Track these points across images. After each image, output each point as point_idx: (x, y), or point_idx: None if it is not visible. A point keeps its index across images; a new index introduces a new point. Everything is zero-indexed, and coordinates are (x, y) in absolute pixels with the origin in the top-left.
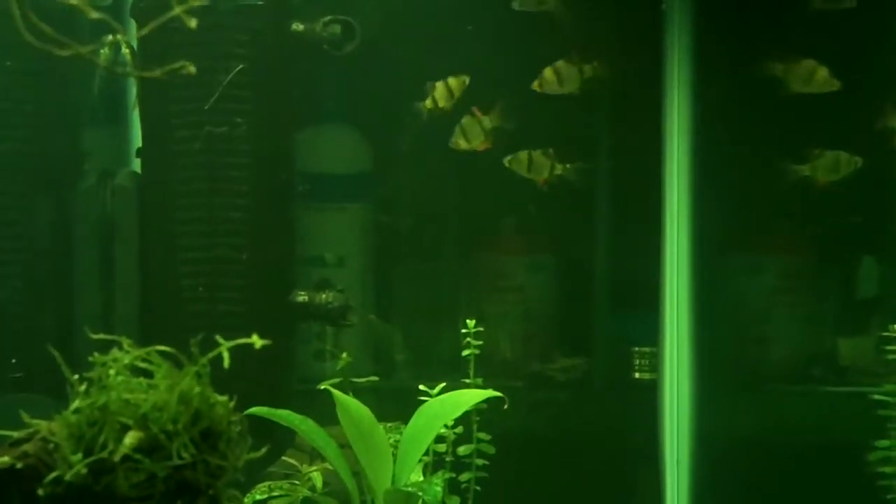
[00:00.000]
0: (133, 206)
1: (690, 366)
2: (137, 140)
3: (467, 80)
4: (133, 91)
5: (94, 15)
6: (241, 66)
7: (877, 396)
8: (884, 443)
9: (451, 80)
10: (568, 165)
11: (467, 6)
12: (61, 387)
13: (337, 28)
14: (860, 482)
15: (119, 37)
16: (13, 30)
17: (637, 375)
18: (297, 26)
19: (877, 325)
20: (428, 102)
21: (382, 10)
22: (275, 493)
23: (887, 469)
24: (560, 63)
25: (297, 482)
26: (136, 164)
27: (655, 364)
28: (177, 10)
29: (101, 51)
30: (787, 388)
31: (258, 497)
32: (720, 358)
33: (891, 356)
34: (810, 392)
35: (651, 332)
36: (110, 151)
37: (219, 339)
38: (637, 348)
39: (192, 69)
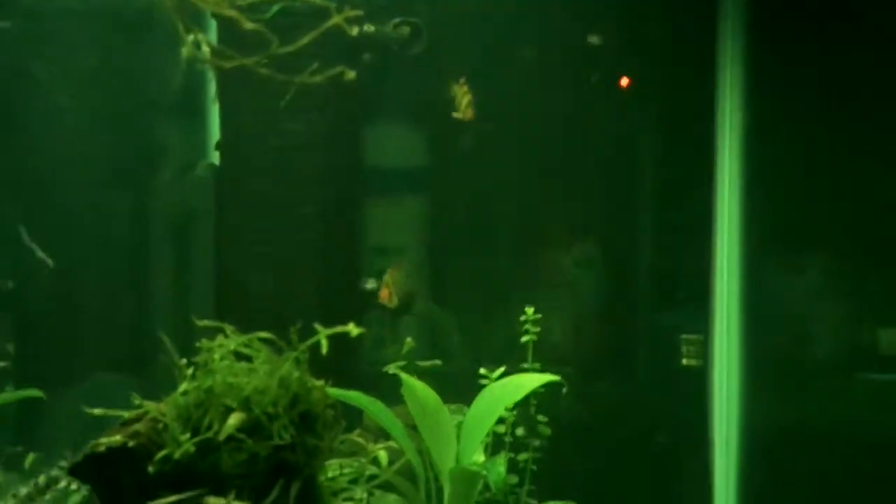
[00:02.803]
0: (210, 197)
1: (739, 355)
2: (216, 134)
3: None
4: (213, 88)
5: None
6: (315, 65)
7: None
8: None
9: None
10: None
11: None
12: (145, 368)
13: (406, 29)
14: None
15: (200, 36)
16: (92, 30)
17: (685, 362)
18: (369, 28)
19: None
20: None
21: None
22: (345, 471)
23: None
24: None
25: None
26: (215, 158)
27: (702, 352)
28: (275, 8)
29: (183, 49)
30: (831, 376)
31: (329, 474)
32: (767, 348)
33: None
34: (854, 381)
35: (699, 322)
36: (191, 144)
37: (318, 327)
38: (685, 336)
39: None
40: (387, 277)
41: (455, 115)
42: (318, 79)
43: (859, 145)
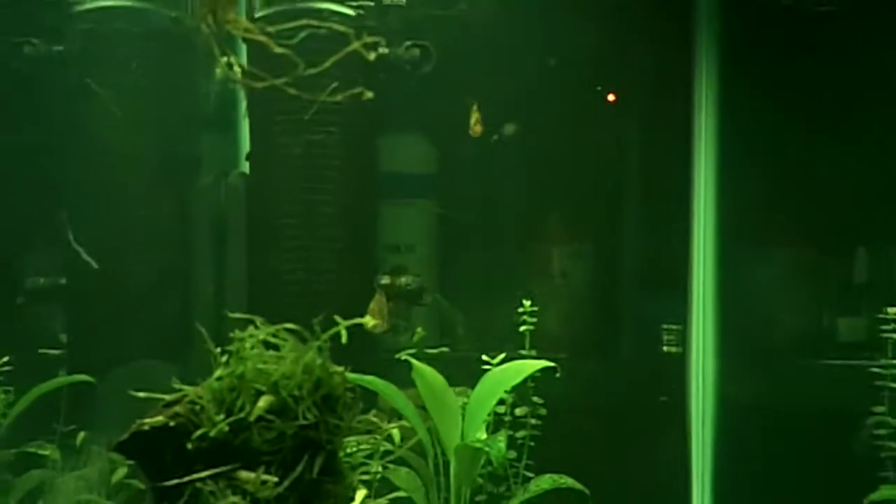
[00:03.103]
0: (242, 202)
1: (714, 341)
2: (247, 145)
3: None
4: (243, 103)
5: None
6: (335, 84)
7: (873, 369)
8: (879, 409)
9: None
10: None
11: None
12: (181, 354)
13: (416, 51)
14: (858, 442)
15: (232, 59)
16: (141, 52)
17: (665, 349)
18: (384, 49)
19: (868, 307)
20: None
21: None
22: (362, 447)
23: (882, 431)
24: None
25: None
26: (246, 166)
27: (681, 339)
28: (302, 34)
29: (217, 69)
30: (796, 361)
31: (348, 450)
32: (739, 335)
33: (885, 335)
34: (815, 365)
35: (678, 312)
36: (224, 154)
37: (337, 318)
38: (665, 325)
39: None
40: (372, 305)
41: (470, 132)
42: (339, 97)
43: (820, 152)
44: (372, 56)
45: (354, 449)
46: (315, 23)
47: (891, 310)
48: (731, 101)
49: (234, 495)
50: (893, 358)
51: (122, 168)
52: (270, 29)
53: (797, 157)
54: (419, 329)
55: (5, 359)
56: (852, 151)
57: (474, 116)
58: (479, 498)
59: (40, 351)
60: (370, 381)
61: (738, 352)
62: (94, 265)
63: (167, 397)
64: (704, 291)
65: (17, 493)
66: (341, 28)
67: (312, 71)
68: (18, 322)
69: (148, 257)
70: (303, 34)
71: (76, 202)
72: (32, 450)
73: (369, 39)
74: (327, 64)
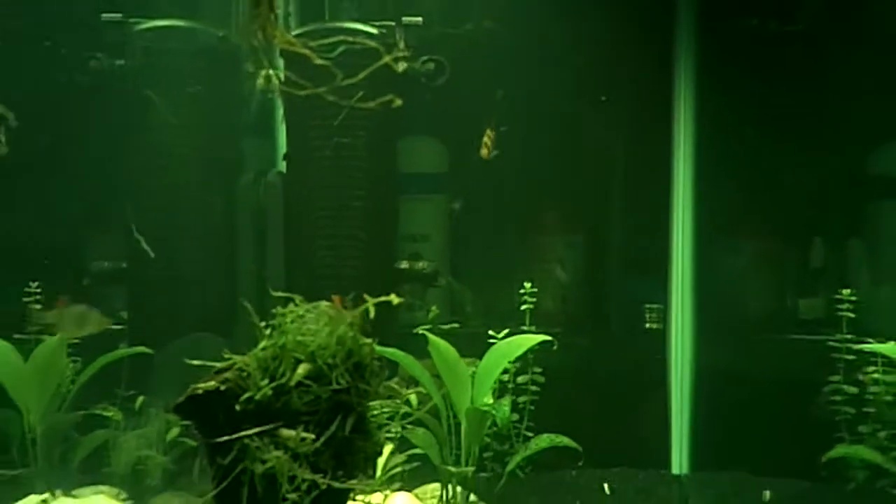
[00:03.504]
0: (280, 197)
1: (691, 319)
2: (284, 147)
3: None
4: (280, 110)
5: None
6: (361, 93)
7: (829, 343)
8: (835, 378)
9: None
10: None
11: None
12: (228, 328)
13: (431, 65)
14: (816, 407)
15: (271, 71)
16: (192, 65)
17: (647, 325)
18: (403, 63)
19: (824, 289)
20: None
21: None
22: (384, 410)
23: (838, 398)
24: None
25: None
26: (283, 166)
27: (662, 317)
28: (340, 49)
29: (258, 80)
30: (762, 335)
31: (373, 412)
32: (713, 313)
33: (840, 313)
34: (779, 339)
35: (659, 293)
36: (264, 155)
37: (366, 297)
38: (647, 305)
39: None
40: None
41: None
42: (373, 104)
43: (784, 156)
44: (401, 68)
45: (378, 411)
46: (350, 39)
47: (845, 291)
48: (706, 112)
49: (277, 450)
50: (847, 333)
51: (176, 168)
52: (312, 44)
53: (764, 161)
54: (434, 307)
55: None
56: (812, 156)
57: (486, 138)
58: (486, 454)
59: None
60: (392, 352)
61: (712, 328)
62: (151, 254)
63: (218, 365)
64: (683, 275)
65: (84, 450)
66: (372, 44)
67: (350, 81)
68: (84, 301)
69: (198, 245)
70: (341, 48)
71: (137, 197)
72: (98, 412)
73: (400, 54)
74: (362, 75)
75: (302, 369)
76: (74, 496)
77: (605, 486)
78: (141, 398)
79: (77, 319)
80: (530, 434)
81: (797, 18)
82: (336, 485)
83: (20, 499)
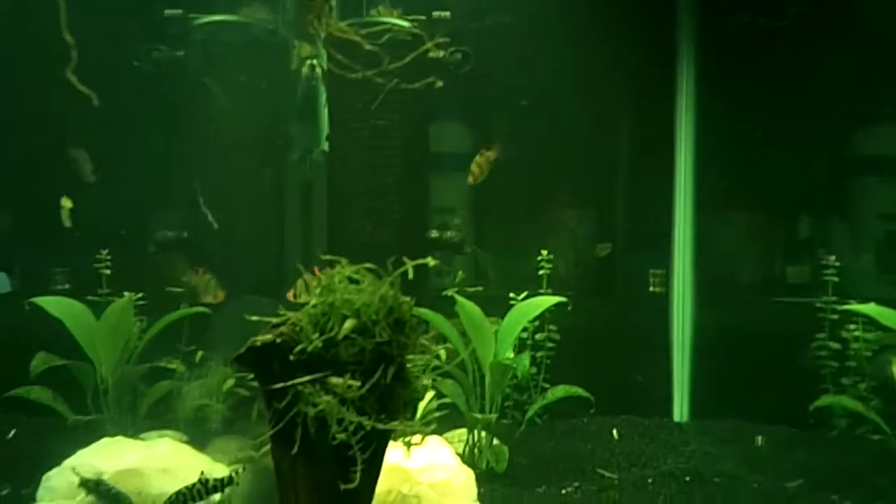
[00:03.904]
0: (323, 173)
1: (691, 283)
2: (327, 129)
3: (491, 155)
4: (323, 96)
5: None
6: (396, 80)
7: (816, 304)
8: (821, 335)
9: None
10: None
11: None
12: (278, 290)
13: (458, 55)
14: (804, 361)
15: (315, 61)
16: (245, 55)
17: (652, 289)
18: (433, 53)
19: (810, 258)
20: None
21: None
22: (418, 363)
23: (823, 353)
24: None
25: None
26: (326, 146)
27: (665, 282)
28: (386, 37)
29: (303, 69)
30: (755, 298)
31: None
32: (711, 278)
33: (825, 277)
34: (770, 301)
35: (663, 260)
36: (309, 136)
37: (405, 259)
38: (652, 271)
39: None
40: (300, 283)
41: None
42: (416, 85)
43: (775, 140)
44: (441, 53)
45: (410, 363)
46: (395, 27)
47: (830, 258)
48: (705, 100)
49: (327, 395)
50: (832, 295)
51: (231, 148)
52: (362, 32)
53: (757, 144)
54: (460, 272)
55: (140, 295)
56: (799, 140)
57: (475, 165)
58: (507, 403)
59: (167, 289)
60: (424, 312)
61: (710, 291)
62: (216, 225)
63: (274, 320)
64: (684, 245)
65: (150, 398)
66: (418, 31)
67: (396, 64)
68: (150, 267)
69: (251, 216)
70: (386, 36)
71: (199, 175)
72: (162, 365)
73: (440, 39)
74: (409, 58)
75: (348, 324)
76: (142, 439)
77: (614, 431)
78: (200, 353)
79: (205, 286)
80: (547, 385)
81: (785, 15)
82: (379, 426)
83: (94, 441)
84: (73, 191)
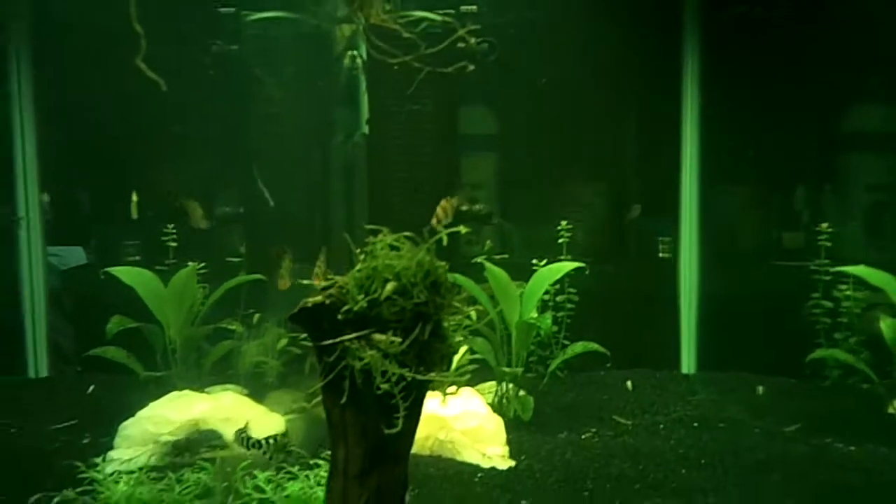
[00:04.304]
0: (364, 153)
1: (697, 249)
2: (367, 114)
3: (455, 202)
4: (363, 83)
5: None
6: (429, 69)
7: (811, 267)
8: (815, 295)
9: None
10: None
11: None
12: (333, 256)
13: (485, 45)
14: (800, 318)
15: (355, 52)
16: (292, 48)
17: (661, 255)
18: (462, 43)
19: (804, 225)
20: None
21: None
22: (451, 321)
23: (817, 311)
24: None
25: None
26: (366, 129)
27: (673, 248)
28: (423, 25)
29: (345, 60)
30: (756, 262)
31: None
32: (715, 244)
33: (819, 243)
34: (769, 264)
35: (671, 227)
36: (351, 120)
37: (439, 227)
38: (661, 238)
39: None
40: (282, 270)
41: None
42: (449, 69)
43: (773, 117)
44: (473, 41)
45: (448, 322)
46: (433, 19)
47: (823, 225)
48: (709, 82)
49: (371, 350)
50: (825, 259)
51: (283, 132)
52: (400, 22)
53: (756, 121)
54: (488, 242)
55: (202, 264)
56: (795, 116)
57: (440, 209)
58: (531, 359)
59: (227, 259)
60: (456, 277)
61: (714, 256)
62: (272, 202)
63: (323, 283)
64: (690, 213)
65: (213, 356)
66: (451, 22)
67: (432, 50)
68: (211, 239)
69: (299, 193)
70: (423, 24)
71: (254, 157)
72: (223, 326)
73: (471, 27)
74: (444, 44)
75: (390, 286)
76: (207, 392)
77: (628, 383)
78: (257, 315)
79: (287, 272)
80: (567, 342)
81: (780, 3)
82: (418, 377)
83: (164, 394)
84: (146, 171)
